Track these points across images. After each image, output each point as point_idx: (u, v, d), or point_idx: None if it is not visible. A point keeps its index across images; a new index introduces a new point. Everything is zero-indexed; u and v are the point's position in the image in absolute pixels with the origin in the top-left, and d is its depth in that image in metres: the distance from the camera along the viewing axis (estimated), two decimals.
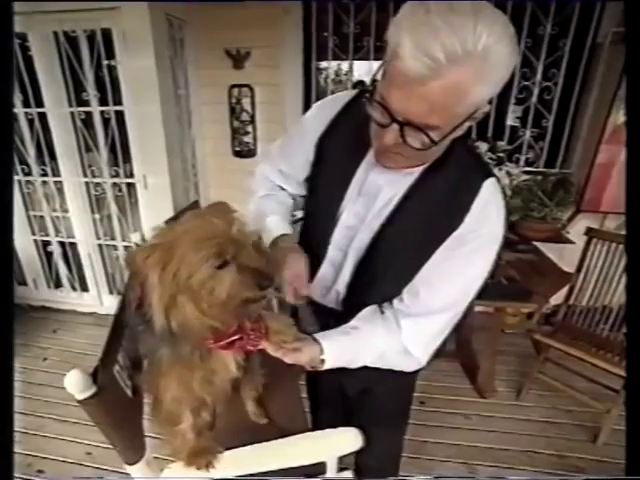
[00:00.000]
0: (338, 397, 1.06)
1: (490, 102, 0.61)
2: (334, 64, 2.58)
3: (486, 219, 0.69)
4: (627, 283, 1.41)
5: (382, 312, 0.79)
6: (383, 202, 0.75)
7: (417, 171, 0.72)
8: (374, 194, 0.75)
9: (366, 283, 0.80)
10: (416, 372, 1.05)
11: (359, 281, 0.81)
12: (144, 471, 0.67)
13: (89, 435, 1.81)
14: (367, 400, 1.00)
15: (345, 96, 0.80)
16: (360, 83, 2.57)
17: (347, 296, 0.84)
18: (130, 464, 0.66)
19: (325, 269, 0.85)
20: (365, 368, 0.79)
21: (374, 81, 0.61)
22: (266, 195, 0.95)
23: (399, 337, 0.75)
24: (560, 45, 2.23)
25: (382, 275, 0.78)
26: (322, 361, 0.73)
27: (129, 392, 0.69)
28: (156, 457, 0.78)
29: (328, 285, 0.86)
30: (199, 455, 0.73)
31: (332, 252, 0.83)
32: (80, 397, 0.54)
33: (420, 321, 0.75)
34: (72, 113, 2.30)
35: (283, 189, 0.96)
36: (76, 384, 0.54)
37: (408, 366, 0.80)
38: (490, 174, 0.71)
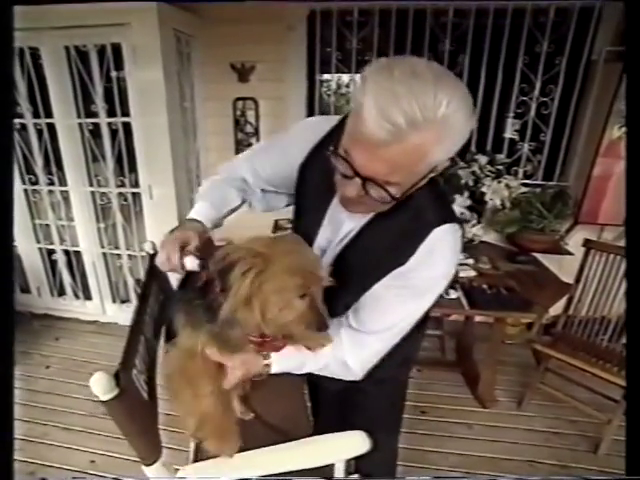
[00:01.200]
0: (333, 401, 1.08)
1: (452, 159, 0.66)
2: (337, 77, 2.64)
3: (430, 264, 0.72)
4: (627, 291, 1.44)
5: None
6: (344, 233, 0.80)
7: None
8: (338, 224, 0.81)
9: (328, 297, 0.83)
10: (405, 374, 1.10)
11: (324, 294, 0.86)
12: (160, 471, 0.70)
13: (93, 443, 1.82)
14: (357, 403, 1.03)
15: (330, 121, 0.82)
16: None
17: None
18: (147, 464, 0.68)
19: None
20: None
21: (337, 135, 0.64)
22: (221, 183, 0.96)
23: (340, 350, 0.80)
24: (556, 62, 2.30)
25: (340, 292, 0.80)
26: (267, 366, 0.79)
27: (145, 395, 0.72)
28: (176, 469, 0.79)
29: None
30: (224, 437, 0.74)
31: None
32: (105, 398, 0.57)
33: (361, 339, 0.80)
34: (80, 124, 2.34)
35: (244, 182, 0.96)
36: (101, 385, 0.56)
37: (345, 376, 0.85)
38: (446, 220, 0.72)
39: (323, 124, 0.82)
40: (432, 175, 0.64)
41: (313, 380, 1.12)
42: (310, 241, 0.85)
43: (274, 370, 0.80)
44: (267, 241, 0.71)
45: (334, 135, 0.77)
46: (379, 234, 0.76)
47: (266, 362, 0.78)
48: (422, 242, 0.70)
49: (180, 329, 0.75)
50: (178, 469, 0.78)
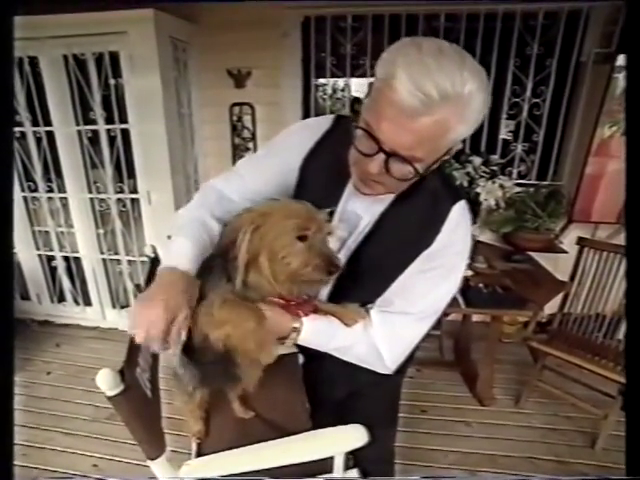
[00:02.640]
0: (328, 402, 1.08)
1: (463, 140, 0.68)
2: (332, 81, 2.68)
3: (455, 240, 0.76)
4: (627, 290, 1.46)
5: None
6: (362, 227, 0.80)
7: (389, 198, 0.77)
8: (355, 221, 0.80)
9: (344, 296, 0.84)
10: (402, 376, 1.08)
11: (338, 295, 0.85)
12: (164, 466, 0.72)
13: (95, 447, 1.84)
14: (355, 405, 1.03)
15: (325, 122, 0.83)
16: (357, 100, 2.67)
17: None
18: (152, 459, 0.71)
19: None
20: (352, 370, 0.84)
21: (357, 109, 0.66)
22: (202, 217, 0.81)
23: (370, 331, 0.79)
24: (547, 64, 2.34)
25: (359, 288, 0.82)
26: (296, 330, 0.76)
27: (149, 393, 0.74)
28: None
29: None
30: (260, 344, 0.71)
31: None
32: (110, 394, 0.59)
33: (393, 321, 0.79)
34: (79, 131, 2.37)
35: (228, 204, 0.85)
36: (107, 381, 0.58)
37: (375, 365, 0.83)
38: (459, 198, 0.77)
39: (319, 124, 0.83)
40: (446, 157, 0.67)
41: (311, 387, 1.14)
42: None
43: (303, 335, 0.77)
44: (264, 203, 0.74)
45: (334, 132, 0.80)
46: (399, 221, 0.77)
47: (295, 324, 0.76)
48: (445, 220, 0.74)
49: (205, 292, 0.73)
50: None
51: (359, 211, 0.79)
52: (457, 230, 0.76)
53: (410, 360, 1.10)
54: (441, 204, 0.76)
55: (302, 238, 0.68)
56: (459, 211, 0.76)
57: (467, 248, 0.78)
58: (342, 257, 0.80)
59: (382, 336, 0.79)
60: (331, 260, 0.68)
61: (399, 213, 0.77)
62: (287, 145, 0.84)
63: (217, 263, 0.73)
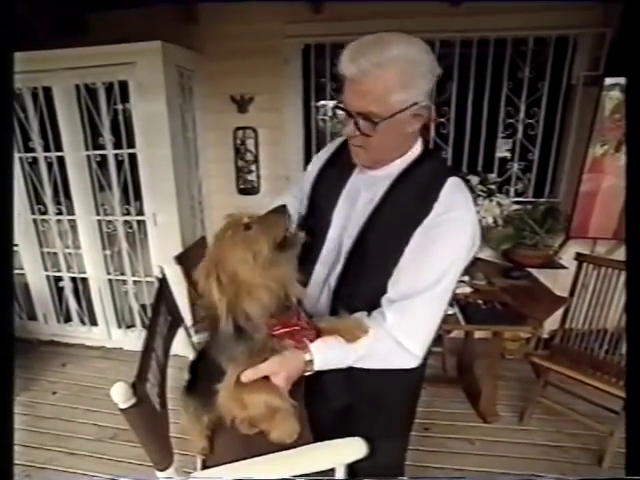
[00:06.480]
0: (326, 415, 1.08)
1: (429, 98, 0.80)
2: (332, 102, 2.76)
3: (453, 205, 0.81)
4: (626, 304, 1.47)
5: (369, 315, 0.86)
6: (364, 202, 0.90)
7: (392, 176, 0.88)
8: (355, 196, 0.93)
9: (355, 273, 0.90)
10: (408, 400, 1.10)
11: (349, 272, 0.91)
12: (173, 477, 0.75)
13: (99, 467, 1.84)
14: (353, 419, 1.03)
15: (335, 142, 1.06)
16: None
17: (338, 288, 0.93)
18: (161, 470, 0.73)
19: (318, 269, 0.97)
20: (349, 384, 0.89)
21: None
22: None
23: (385, 327, 0.81)
24: (539, 87, 2.43)
25: (369, 263, 0.88)
26: (310, 362, 0.79)
27: (158, 407, 0.77)
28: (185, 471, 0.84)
29: (320, 284, 0.96)
30: (283, 425, 0.78)
31: (325, 252, 0.97)
32: (123, 406, 0.63)
33: (404, 305, 0.81)
34: (88, 156, 2.46)
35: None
36: (121, 394, 0.62)
37: (403, 360, 0.84)
38: (455, 174, 0.85)
39: (333, 144, 1.07)
40: (417, 120, 0.81)
41: (309, 401, 1.16)
42: (327, 227, 0.96)
43: (318, 363, 0.80)
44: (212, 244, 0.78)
45: (343, 145, 0.98)
46: (403, 192, 0.86)
47: (307, 357, 0.79)
48: (441, 189, 0.82)
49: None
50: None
51: (359, 186, 0.92)
52: (455, 195, 0.82)
53: (415, 388, 1.10)
54: (438, 178, 0.84)
55: (246, 227, 0.75)
56: (454, 181, 0.83)
57: (469, 215, 0.82)
58: (351, 231, 0.91)
59: (399, 325, 0.81)
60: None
61: (400, 190, 0.86)
62: (311, 165, 1.10)
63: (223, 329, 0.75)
